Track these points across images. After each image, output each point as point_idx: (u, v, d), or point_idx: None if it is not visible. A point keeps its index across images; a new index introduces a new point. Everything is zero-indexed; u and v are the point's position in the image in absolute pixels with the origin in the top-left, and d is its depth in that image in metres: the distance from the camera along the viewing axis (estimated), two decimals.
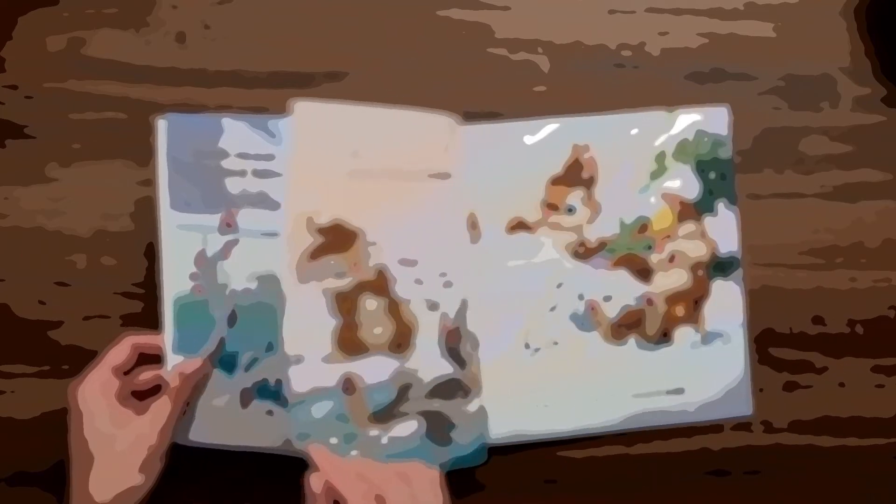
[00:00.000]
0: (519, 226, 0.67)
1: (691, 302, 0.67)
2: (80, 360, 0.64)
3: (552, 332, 0.67)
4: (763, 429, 0.68)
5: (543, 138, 0.67)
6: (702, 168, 0.68)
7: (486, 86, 0.69)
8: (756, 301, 0.68)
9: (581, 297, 0.67)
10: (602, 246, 0.67)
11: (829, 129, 0.69)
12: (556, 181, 0.67)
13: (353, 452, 0.62)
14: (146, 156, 0.64)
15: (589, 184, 0.67)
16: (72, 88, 0.69)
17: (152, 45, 0.69)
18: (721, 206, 0.68)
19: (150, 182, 0.63)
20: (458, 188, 0.64)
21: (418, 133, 0.63)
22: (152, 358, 0.63)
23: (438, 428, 0.63)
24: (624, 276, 0.67)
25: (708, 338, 0.67)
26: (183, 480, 0.66)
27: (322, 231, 0.61)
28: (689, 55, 0.69)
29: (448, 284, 0.63)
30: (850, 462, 0.68)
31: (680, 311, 0.67)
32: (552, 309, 0.67)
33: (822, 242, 0.69)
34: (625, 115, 0.68)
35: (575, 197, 0.67)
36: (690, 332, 0.67)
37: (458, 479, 0.67)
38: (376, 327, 0.62)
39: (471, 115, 0.68)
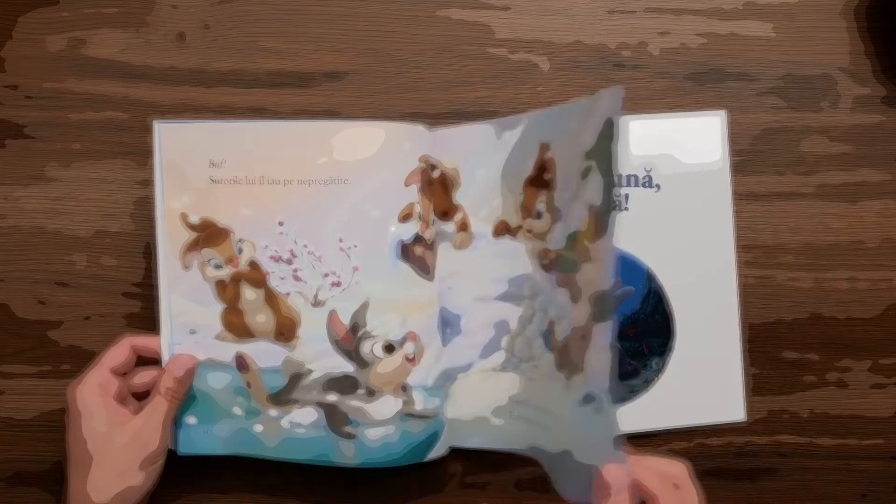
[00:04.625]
0: (504, 230, 0.66)
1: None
2: (80, 360, 0.64)
3: (530, 345, 0.64)
4: (763, 429, 0.68)
5: (520, 136, 0.65)
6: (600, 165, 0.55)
7: (486, 86, 0.69)
8: (756, 301, 0.68)
9: (546, 312, 0.62)
10: (558, 259, 0.61)
11: (829, 129, 0.69)
12: (530, 183, 0.64)
13: (258, 427, 0.63)
14: (146, 156, 0.64)
15: (550, 186, 0.62)
16: (72, 88, 0.69)
17: (152, 45, 0.69)
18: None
19: (150, 182, 0.63)
20: (337, 193, 0.64)
21: (284, 144, 0.64)
22: (153, 359, 0.63)
23: (338, 421, 0.64)
24: (566, 298, 0.58)
25: (585, 399, 0.55)
26: (182, 481, 0.67)
27: (194, 227, 0.63)
28: (689, 55, 0.69)
29: (337, 284, 0.64)
30: (850, 462, 0.68)
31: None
32: (530, 321, 0.64)
33: (822, 242, 0.69)
34: (574, 105, 0.60)
35: (541, 201, 0.63)
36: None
37: (456, 479, 0.67)
38: (258, 315, 0.64)
39: (471, 115, 0.68)
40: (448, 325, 0.66)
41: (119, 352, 0.61)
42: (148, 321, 0.64)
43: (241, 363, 0.64)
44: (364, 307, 0.64)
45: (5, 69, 0.69)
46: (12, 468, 0.67)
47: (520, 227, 0.65)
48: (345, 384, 0.64)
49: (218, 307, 0.64)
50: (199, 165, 0.63)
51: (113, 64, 0.69)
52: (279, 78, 0.69)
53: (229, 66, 0.69)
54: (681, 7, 0.70)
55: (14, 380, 0.68)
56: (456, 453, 0.67)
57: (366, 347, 0.64)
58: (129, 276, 0.68)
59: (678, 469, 0.53)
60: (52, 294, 0.68)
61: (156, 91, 0.69)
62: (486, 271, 0.66)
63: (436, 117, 0.68)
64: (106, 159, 0.68)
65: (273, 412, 0.64)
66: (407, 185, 0.64)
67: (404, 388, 0.64)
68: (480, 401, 0.66)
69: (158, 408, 0.60)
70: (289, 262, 0.64)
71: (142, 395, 0.62)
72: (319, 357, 0.64)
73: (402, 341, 0.64)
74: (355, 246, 0.64)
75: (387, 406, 0.64)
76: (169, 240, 0.63)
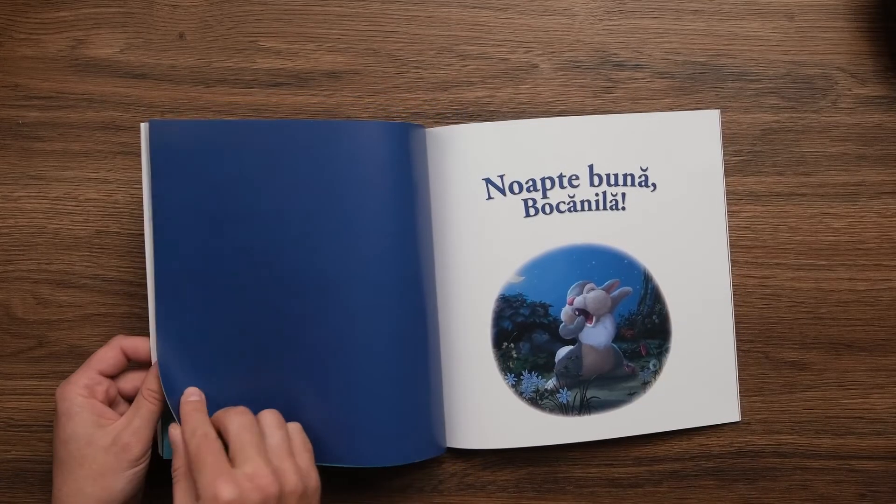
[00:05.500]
0: None
1: None
2: (80, 360, 0.64)
3: None
4: (763, 429, 0.68)
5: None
6: None
7: (486, 86, 0.69)
8: (756, 301, 0.68)
9: None
10: None
11: (829, 129, 0.69)
12: None
13: None
14: None
15: None
16: (72, 88, 0.69)
17: (152, 45, 0.69)
18: None
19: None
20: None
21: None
22: (147, 361, 0.63)
23: None
24: None
25: None
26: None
27: None
28: (689, 55, 0.69)
29: None
30: (850, 462, 0.68)
31: None
32: None
33: (822, 242, 0.69)
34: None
35: None
36: None
37: (456, 479, 0.67)
38: None
39: (471, 115, 0.68)
40: None
41: (107, 353, 0.61)
42: (148, 321, 0.64)
43: None
44: None
45: (5, 69, 0.69)
46: (12, 468, 0.68)
47: None
48: None
49: None
50: None
51: (113, 64, 0.69)
52: (279, 78, 0.69)
53: (229, 66, 0.69)
54: (681, 7, 0.69)
55: (14, 380, 0.68)
56: (456, 453, 0.67)
57: None
58: (129, 276, 0.68)
59: (225, 415, 0.58)
60: (52, 294, 0.68)
61: (156, 91, 0.69)
62: None
63: (436, 117, 0.68)
64: (106, 159, 0.68)
65: None
66: None
67: None
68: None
69: (140, 410, 0.60)
70: None
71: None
72: None
73: None
74: None
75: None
76: None
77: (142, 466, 0.59)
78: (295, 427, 0.60)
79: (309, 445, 0.59)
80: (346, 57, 0.69)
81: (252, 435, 0.56)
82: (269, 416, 0.59)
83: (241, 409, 0.59)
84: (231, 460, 0.55)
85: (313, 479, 0.57)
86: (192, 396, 0.61)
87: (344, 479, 0.67)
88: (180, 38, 0.69)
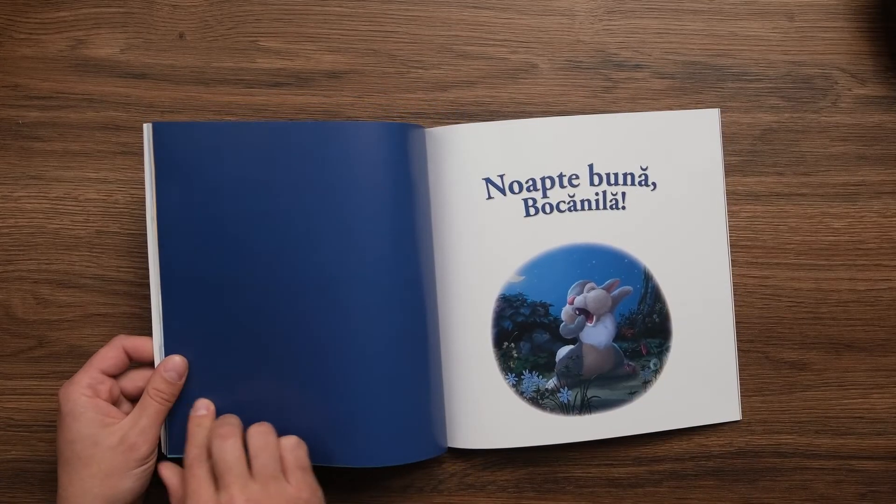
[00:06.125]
0: None
1: None
2: (80, 360, 0.65)
3: None
4: (763, 429, 0.68)
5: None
6: None
7: (486, 86, 0.69)
8: (756, 301, 0.68)
9: None
10: None
11: (829, 129, 0.69)
12: None
13: None
14: None
15: None
16: (72, 88, 0.69)
17: (152, 45, 0.69)
18: None
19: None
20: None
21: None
22: (148, 361, 0.63)
23: None
24: None
25: None
26: None
27: None
28: (689, 55, 0.69)
29: None
30: (850, 462, 0.68)
31: None
32: None
33: (822, 242, 0.69)
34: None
35: None
36: None
37: (456, 479, 0.67)
38: None
39: (471, 115, 0.68)
40: None
41: (109, 352, 0.61)
42: (148, 321, 0.64)
43: None
44: None
45: (5, 69, 0.69)
46: (12, 468, 0.68)
47: None
48: None
49: None
50: None
51: (113, 64, 0.69)
52: (279, 78, 0.69)
53: (229, 66, 0.69)
54: (681, 7, 0.69)
55: (14, 380, 0.68)
56: (456, 453, 0.67)
57: None
58: (129, 276, 0.68)
59: (212, 435, 0.59)
60: (52, 294, 0.68)
61: (156, 91, 0.69)
62: None
63: (436, 117, 0.68)
64: (106, 159, 0.68)
65: None
66: None
67: None
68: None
69: (147, 409, 0.60)
70: None
71: (137, 398, 0.62)
72: None
73: None
74: None
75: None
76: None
77: (149, 465, 0.60)
78: (289, 443, 0.59)
79: (304, 461, 0.59)
80: (346, 57, 0.69)
81: (233, 459, 0.57)
82: (256, 437, 0.59)
83: (227, 429, 0.59)
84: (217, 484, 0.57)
85: (303, 499, 0.57)
86: (200, 410, 0.61)
87: (344, 479, 0.67)
88: (180, 38, 0.69)
